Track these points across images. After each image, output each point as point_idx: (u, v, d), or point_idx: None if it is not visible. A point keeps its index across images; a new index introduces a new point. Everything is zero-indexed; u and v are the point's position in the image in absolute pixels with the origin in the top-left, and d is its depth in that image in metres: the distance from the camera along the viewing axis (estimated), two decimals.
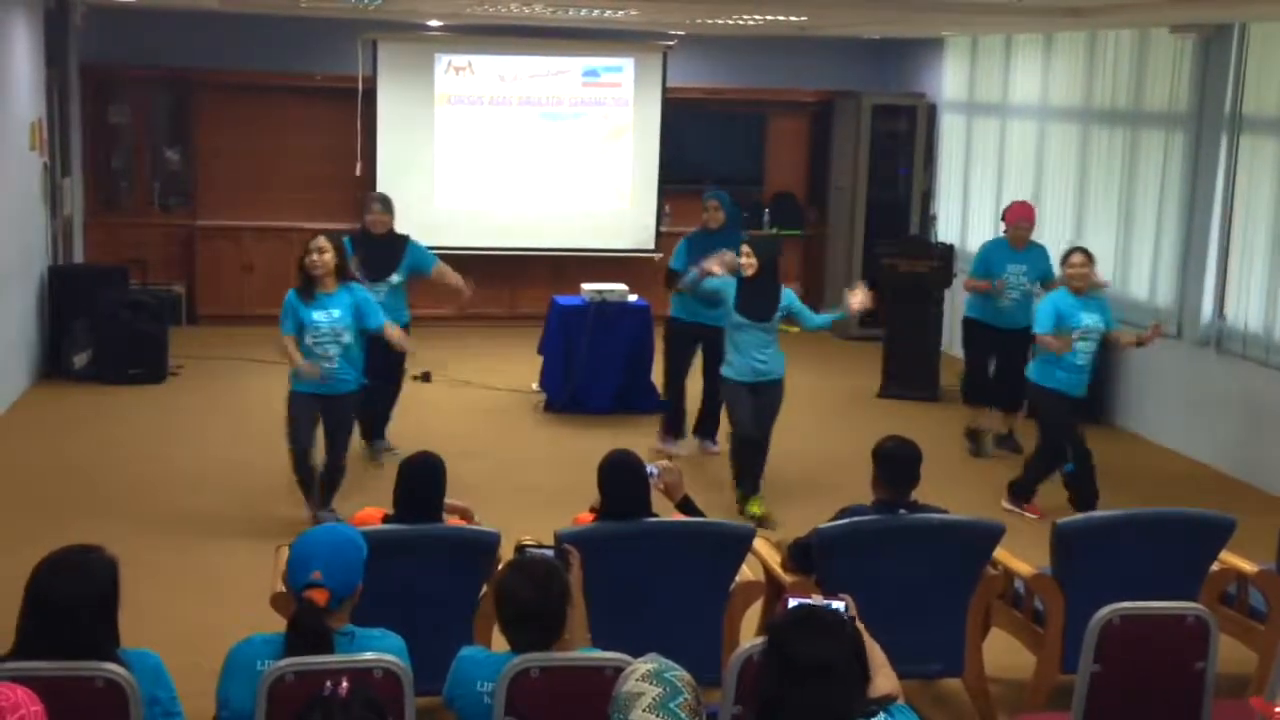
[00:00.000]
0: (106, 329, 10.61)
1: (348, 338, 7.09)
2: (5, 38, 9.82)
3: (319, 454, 7.37)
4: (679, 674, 2.92)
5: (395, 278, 8.41)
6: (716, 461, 8.71)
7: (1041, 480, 7.92)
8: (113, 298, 10.82)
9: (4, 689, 2.90)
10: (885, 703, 3.07)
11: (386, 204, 8.72)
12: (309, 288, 7.11)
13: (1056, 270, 8.41)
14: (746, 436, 7.70)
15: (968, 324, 9.36)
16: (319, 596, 3.70)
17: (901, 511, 5.20)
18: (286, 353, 7.14)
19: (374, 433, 8.70)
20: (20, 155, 10.25)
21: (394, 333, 7.36)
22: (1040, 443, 7.94)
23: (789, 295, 7.70)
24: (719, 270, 7.72)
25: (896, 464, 5.27)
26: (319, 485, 7.33)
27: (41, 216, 11.01)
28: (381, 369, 8.02)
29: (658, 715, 2.80)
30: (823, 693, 2.95)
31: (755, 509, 7.62)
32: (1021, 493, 7.95)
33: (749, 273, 7.54)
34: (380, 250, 8.36)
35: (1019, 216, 9.08)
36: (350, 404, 7.35)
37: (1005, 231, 9.13)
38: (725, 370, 7.75)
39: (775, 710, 2.99)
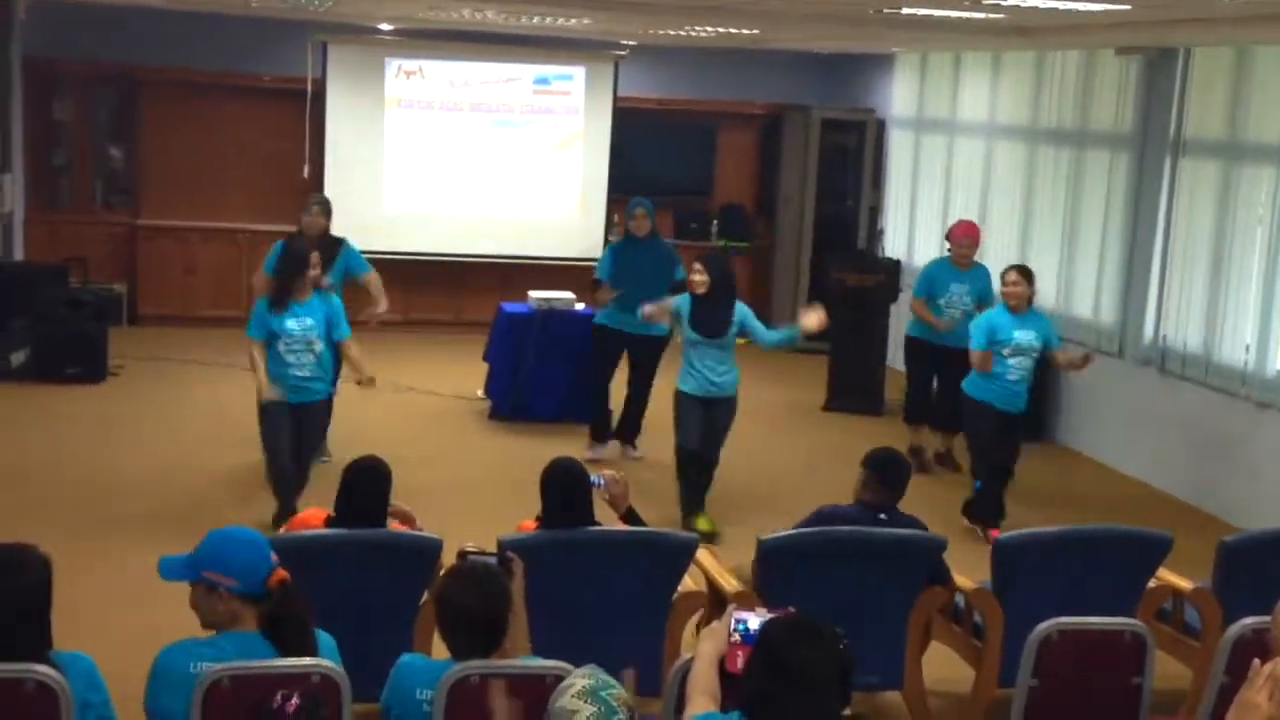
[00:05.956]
0: (45, 327, 10.46)
1: (320, 346, 7.09)
2: None
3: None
4: (614, 691, 2.90)
5: (327, 280, 8.36)
6: (650, 472, 8.68)
7: (997, 495, 7.85)
8: (52, 296, 10.67)
9: None
10: None
11: (325, 207, 8.71)
12: (283, 298, 7.08)
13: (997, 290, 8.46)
14: (692, 453, 7.70)
15: (910, 342, 9.39)
16: (286, 574, 3.68)
17: (882, 516, 5.31)
18: (254, 364, 7.11)
19: None
20: None
21: (354, 352, 7.39)
22: (971, 460, 8.02)
23: (743, 311, 7.68)
24: (659, 317, 7.81)
25: (893, 470, 5.46)
26: (294, 487, 7.23)
27: None
28: None
29: None
30: (803, 701, 2.97)
31: (703, 525, 7.57)
32: (979, 513, 7.89)
33: (701, 290, 7.54)
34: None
35: (964, 236, 9.14)
36: (321, 412, 7.37)
37: (949, 250, 9.19)
38: (680, 384, 7.73)
39: (757, 707, 3.02)
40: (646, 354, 8.99)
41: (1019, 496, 8.48)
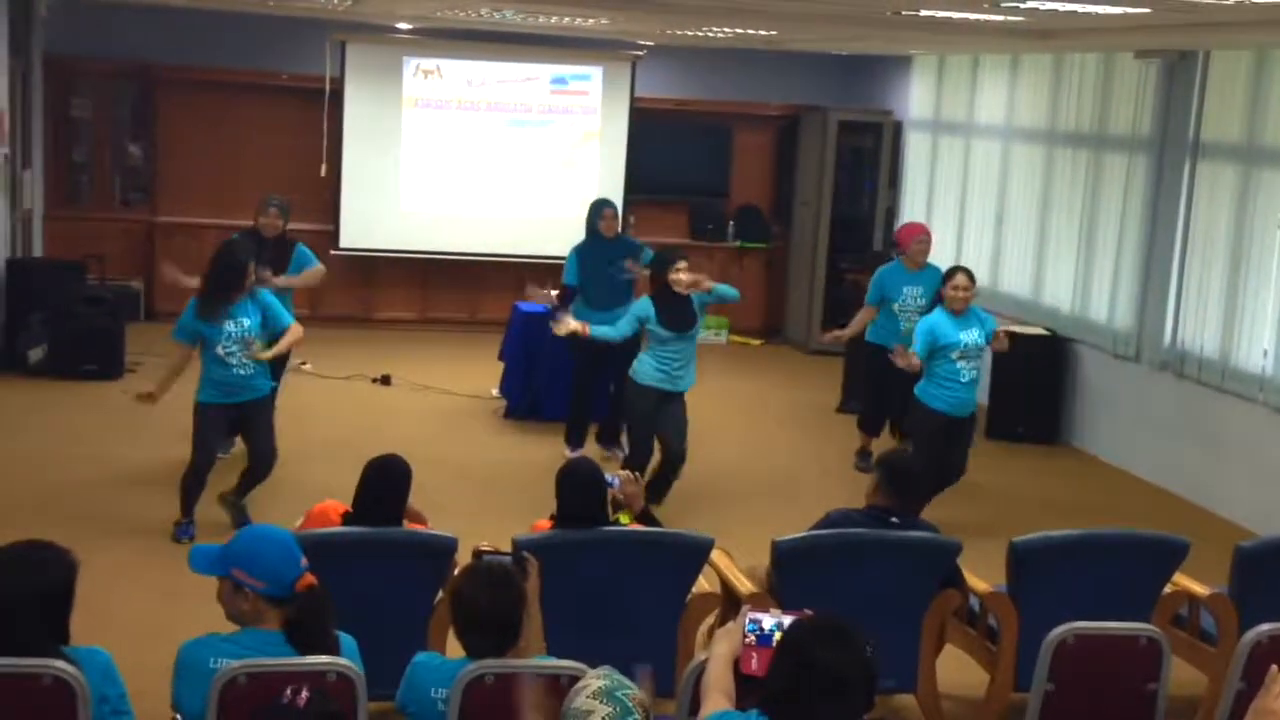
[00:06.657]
0: (63, 323, 10.51)
1: (259, 345, 7.11)
2: None
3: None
4: (630, 692, 2.90)
5: (282, 280, 8.37)
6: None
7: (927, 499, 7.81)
8: (70, 292, 10.72)
9: None
10: None
11: (283, 209, 8.71)
12: (216, 309, 7.03)
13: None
14: (645, 454, 7.72)
15: (867, 348, 9.12)
16: (314, 579, 3.69)
17: (894, 520, 5.26)
18: (170, 367, 7.20)
19: None
20: None
21: (288, 337, 7.28)
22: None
23: (696, 299, 7.75)
24: (575, 328, 7.80)
25: (903, 478, 5.38)
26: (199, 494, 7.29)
27: (1, 209, 10.89)
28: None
29: None
30: (830, 703, 2.95)
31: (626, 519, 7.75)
32: None
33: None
34: (269, 253, 8.32)
35: (921, 235, 9.05)
36: (265, 405, 7.38)
37: (899, 255, 9.07)
38: (640, 378, 7.75)
39: (781, 706, 2.99)
40: (622, 352, 8.96)
41: (1033, 500, 8.48)
